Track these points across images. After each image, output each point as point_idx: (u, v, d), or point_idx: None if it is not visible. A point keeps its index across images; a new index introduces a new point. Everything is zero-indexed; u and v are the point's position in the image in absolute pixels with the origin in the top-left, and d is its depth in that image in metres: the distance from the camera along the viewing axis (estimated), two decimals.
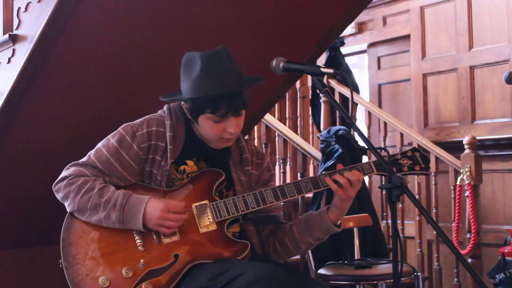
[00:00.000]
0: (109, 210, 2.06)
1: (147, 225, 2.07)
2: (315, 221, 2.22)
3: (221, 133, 2.14)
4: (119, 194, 2.08)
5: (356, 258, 3.45)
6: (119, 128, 2.19)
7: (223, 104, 2.08)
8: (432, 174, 4.55)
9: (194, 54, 2.12)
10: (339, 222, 2.23)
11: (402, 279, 2.85)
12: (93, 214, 2.08)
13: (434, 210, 4.55)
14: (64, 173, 2.15)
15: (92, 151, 2.17)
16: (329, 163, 4.30)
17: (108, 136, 2.19)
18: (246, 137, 2.37)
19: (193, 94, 2.10)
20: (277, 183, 2.33)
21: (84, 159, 2.17)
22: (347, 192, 2.13)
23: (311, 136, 5.71)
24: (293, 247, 2.26)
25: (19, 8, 2.55)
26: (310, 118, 5.75)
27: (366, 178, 4.71)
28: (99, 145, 2.18)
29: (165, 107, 2.25)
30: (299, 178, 4.63)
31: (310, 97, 5.72)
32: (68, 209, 2.14)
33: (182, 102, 2.20)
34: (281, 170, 4.88)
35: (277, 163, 4.97)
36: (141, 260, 2.07)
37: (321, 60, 5.39)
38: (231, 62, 2.12)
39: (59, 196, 2.15)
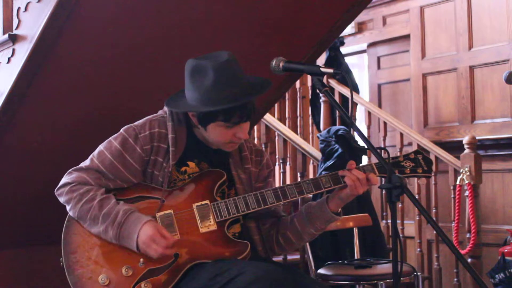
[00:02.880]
0: (107, 226, 2.07)
1: (139, 247, 2.07)
2: (316, 212, 2.23)
3: (231, 138, 2.15)
4: (119, 210, 2.08)
5: (356, 258, 3.45)
6: (121, 130, 2.18)
7: (237, 113, 2.09)
8: (432, 174, 4.54)
9: (204, 63, 2.08)
10: (339, 210, 2.24)
11: (402, 279, 2.85)
12: (93, 226, 2.09)
13: (434, 210, 4.55)
14: (66, 178, 2.14)
15: (95, 154, 2.16)
16: (329, 163, 4.30)
17: (110, 138, 2.17)
18: None
19: (207, 106, 2.08)
20: (277, 183, 2.33)
21: (87, 163, 2.15)
22: (364, 187, 2.14)
23: (311, 136, 5.71)
24: (296, 239, 2.28)
25: (19, 8, 2.55)
26: (310, 118, 5.75)
27: None
28: (101, 147, 2.16)
29: (165, 107, 2.25)
30: (299, 178, 4.65)
31: (310, 97, 5.72)
32: (70, 213, 2.14)
33: None
34: (281, 170, 4.87)
35: (277, 163, 4.96)
36: (141, 259, 2.07)
37: (321, 60, 5.39)
38: (240, 71, 2.12)
39: (60, 199, 2.15)
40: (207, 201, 2.16)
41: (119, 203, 2.11)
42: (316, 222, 2.23)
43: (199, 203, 2.15)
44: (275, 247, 2.30)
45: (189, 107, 2.14)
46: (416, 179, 4.59)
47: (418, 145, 4.58)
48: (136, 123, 2.20)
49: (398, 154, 4.26)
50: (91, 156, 2.17)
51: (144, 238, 2.04)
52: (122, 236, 2.06)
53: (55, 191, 2.15)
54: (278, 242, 2.29)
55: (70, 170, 2.16)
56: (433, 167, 4.50)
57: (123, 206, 2.09)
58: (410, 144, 4.81)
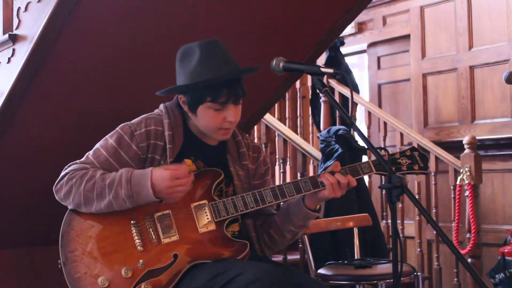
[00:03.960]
0: (116, 189, 2.03)
1: (159, 196, 2.05)
2: (293, 208, 2.23)
3: (221, 123, 2.14)
4: (121, 171, 2.06)
5: (356, 258, 3.45)
6: (117, 128, 2.18)
7: (224, 91, 2.09)
8: (432, 174, 4.55)
9: (191, 45, 2.14)
10: (318, 206, 2.24)
11: (402, 279, 2.84)
12: (101, 200, 2.05)
13: (434, 210, 4.55)
14: (63, 172, 2.14)
15: (90, 152, 2.16)
16: (329, 163, 4.30)
17: (106, 136, 2.18)
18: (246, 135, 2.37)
19: (194, 80, 2.10)
20: (277, 183, 2.33)
21: (82, 159, 2.16)
22: (336, 192, 2.15)
23: (311, 136, 5.71)
24: (278, 237, 2.28)
25: (19, 8, 2.55)
26: (310, 118, 5.75)
27: (366, 178, 4.71)
28: (97, 145, 2.17)
29: (161, 106, 2.25)
30: (299, 178, 4.64)
31: (310, 97, 5.72)
32: (72, 206, 2.11)
33: (180, 96, 2.20)
34: (281, 170, 4.88)
35: (277, 163, 4.96)
36: (140, 260, 2.07)
37: (321, 60, 5.39)
38: (228, 53, 2.15)
39: (60, 194, 2.11)
40: (205, 201, 2.16)
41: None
42: (294, 219, 2.23)
43: (197, 203, 2.15)
44: (263, 246, 2.30)
45: (178, 87, 2.16)
46: (414, 176, 4.58)
47: (418, 145, 4.57)
48: (132, 121, 2.20)
49: None
50: (86, 154, 2.17)
51: (166, 183, 2.02)
52: (134, 190, 2.02)
53: (53, 187, 2.13)
54: (265, 240, 2.30)
55: (66, 166, 2.15)
56: (434, 167, 4.51)
57: (123, 168, 2.08)
58: (410, 144, 4.81)
